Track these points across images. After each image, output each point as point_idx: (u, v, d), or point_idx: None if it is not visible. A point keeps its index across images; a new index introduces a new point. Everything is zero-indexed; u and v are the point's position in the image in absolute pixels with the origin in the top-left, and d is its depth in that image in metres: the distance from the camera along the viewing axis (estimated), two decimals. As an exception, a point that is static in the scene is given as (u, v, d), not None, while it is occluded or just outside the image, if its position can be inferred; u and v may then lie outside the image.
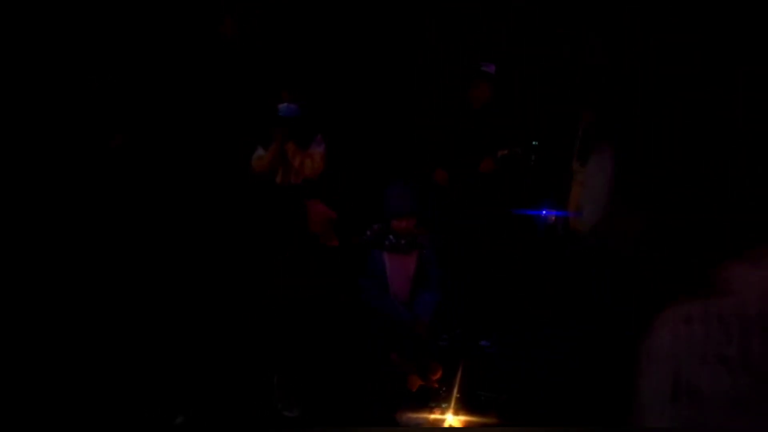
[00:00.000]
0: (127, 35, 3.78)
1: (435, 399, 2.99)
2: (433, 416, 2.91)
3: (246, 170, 3.50)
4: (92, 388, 2.90)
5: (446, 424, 2.87)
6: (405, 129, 4.31)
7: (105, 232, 3.49)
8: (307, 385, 3.03)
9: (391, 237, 3.29)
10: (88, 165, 3.57)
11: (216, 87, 3.71)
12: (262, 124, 3.55)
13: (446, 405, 2.93)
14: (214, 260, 3.44)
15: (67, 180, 3.52)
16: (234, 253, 3.45)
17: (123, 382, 2.96)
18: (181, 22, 3.91)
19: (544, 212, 3.85)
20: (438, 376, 3.10)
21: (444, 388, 3.03)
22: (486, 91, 3.90)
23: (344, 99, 4.22)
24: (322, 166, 3.55)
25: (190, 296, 3.37)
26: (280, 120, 3.51)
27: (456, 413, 2.89)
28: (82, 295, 3.35)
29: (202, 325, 3.27)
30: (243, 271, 3.38)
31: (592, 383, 2.89)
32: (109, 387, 2.93)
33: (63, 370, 3.01)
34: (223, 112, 3.68)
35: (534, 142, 3.85)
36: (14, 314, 3.18)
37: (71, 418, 2.77)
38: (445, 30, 4.54)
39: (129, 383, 2.96)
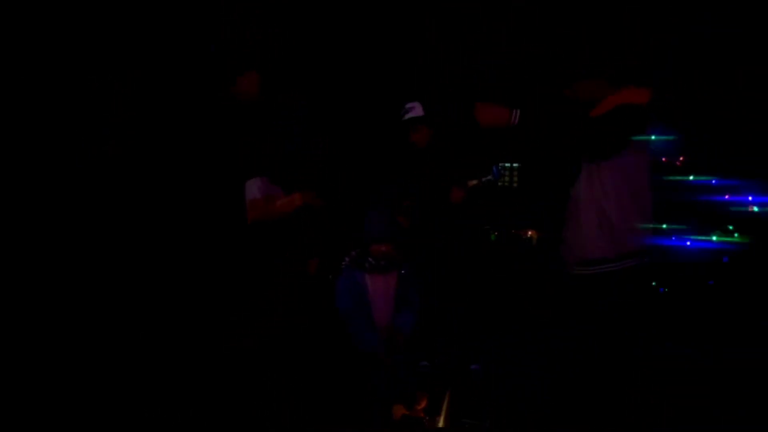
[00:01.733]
0: (132, 38, 3.77)
1: (420, 429, 2.99)
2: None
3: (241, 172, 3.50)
4: (92, 389, 2.91)
5: None
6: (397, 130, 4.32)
7: (101, 232, 3.49)
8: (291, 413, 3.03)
9: (370, 259, 3.36)
10: (85, 165, 3.57)
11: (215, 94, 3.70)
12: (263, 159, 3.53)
13: None
14: (210, 261, 3.45)
15: (64, 180, 3.52)
16: (230, 255, 3.46)
17: (122, 382, 2.97)
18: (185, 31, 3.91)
19: (529, 233, 3.86)
20: (423, 405, 3.11)
21: (428, 418, 3.03)
22: (425, 132, 3.90)
23: (344, 100, 4.22)
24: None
25: (187, 297, 3.37)
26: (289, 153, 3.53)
27: None
28: (80, 295, 3.35)
29: (199, 326, 3.28)
30: (239, 271, 3.39)
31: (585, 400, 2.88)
32: (109, 387, 2.93)
33: (63, 370, 3.01)
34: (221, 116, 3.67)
35: (514, 164, 3.85)
36: (13, 315, 3.19)
37: (71, 418, 2.78)
38: (445, 30, 4.55)
39: (128, 383, 2.96)
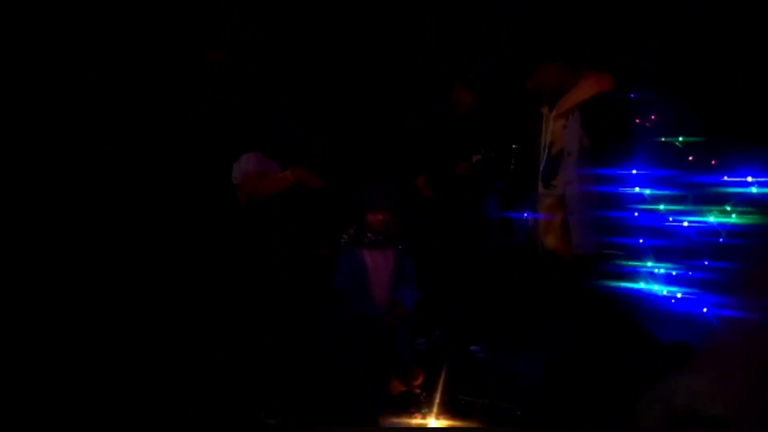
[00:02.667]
0: (125, 39, 3.77)
1: (416, 404, 2.99)
2: (414, 421, 2.91)
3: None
4: (91, 389, 2.91)
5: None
6: (397, 131, 4.32)
7: (101, 231, 3.49)
8: (290, 392, 3.03)
9: (369, 234, 3.35)
10: (85, 165, 3.57)
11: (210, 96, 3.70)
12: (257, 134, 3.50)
13: (427, 410, 2.93)
14: (202, 264, 3.45)
15: (64, 180, 3.53)
16: (228, 254, 3.46)
17: (119, 382, 2.97)
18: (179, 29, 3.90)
19: (525, 215, 3.82)
20: (419, 381, 3.12)
21: (425, 394, 3.03)
22: (468, 97, 3.89)
23: (344, 100, 4.21)
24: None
25: (185, 296, 3.37)
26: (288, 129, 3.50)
27: (438, 418, 2.89)
28: (80, 293, 3.35)
29: (191, 328, 3.28)
30: (230, 273, 3.39)
31: (585, 385, 2.87)
32: (107, 387, 2.93)
33: (62, 370, 3.01)
34: (217, 118, 3.67)
35: (514, 146, 3.82)
36: (13, 315, 3.19)
37: (70, 418, 2.78)
38: (445, 30, 4.54)
39: (124, 384, 2.96)
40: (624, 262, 2.82)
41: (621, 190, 2.76)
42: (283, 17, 4.25)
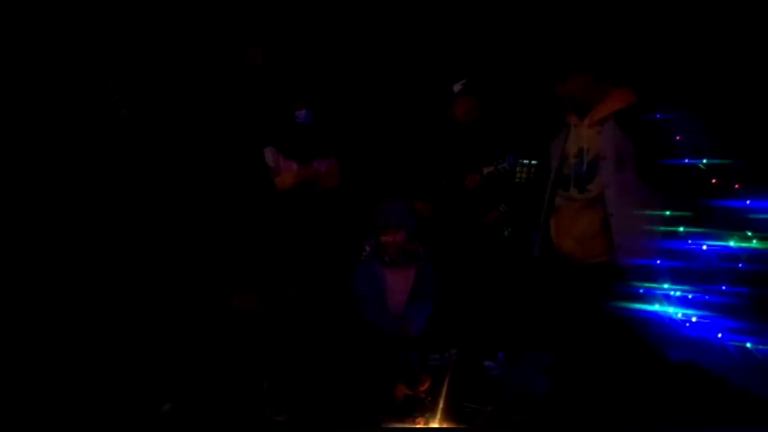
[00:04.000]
0: (138, 40, 3.74)
1: (420, 409, 2.99)
2: (417, 426, 2.91)
3: (252, 171, 3.47)
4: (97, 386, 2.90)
5: None
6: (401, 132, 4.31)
7: (105, 230, 3.47)
8: (296, 389, 3.03)
9: (386, 257, 3.34)
10: (93, 164, 3.54)
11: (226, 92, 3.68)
12: (273, 129, 3.49)
13: (431, 415, 2.93)
14: (211, 260, 3.43)
15: (70, 179, 3.50)
16: (232, 254, 3.44)
17: (123, 379, 2.96)
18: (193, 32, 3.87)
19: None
20: (425, 387, 3.12)
21: (430, 398, 3.04)
22: (473, 105, 3.85)
23: (347, 104, 4.21)
24: (338, 179, 3.50)
25: (185, 296, 3.36)
26: (297, 127, 3.48)
27: (441, 423, 2.90)
28: (80, 293, 3.33)
29: (195, 326, 3.27)
30: (239, 272, 3.37)
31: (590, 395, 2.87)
32: (111, 385, 2.93)
33: (59, 369, 3.00)
34: (232, 116, 3.64)
35: (532, 161, 3.80)
36: (13, 313, 3.17)
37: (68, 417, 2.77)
38: (445, 30, 4.54)
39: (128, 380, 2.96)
40: (640, 283, 2.86)
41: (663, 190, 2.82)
42: (285, 17, 4.24)
